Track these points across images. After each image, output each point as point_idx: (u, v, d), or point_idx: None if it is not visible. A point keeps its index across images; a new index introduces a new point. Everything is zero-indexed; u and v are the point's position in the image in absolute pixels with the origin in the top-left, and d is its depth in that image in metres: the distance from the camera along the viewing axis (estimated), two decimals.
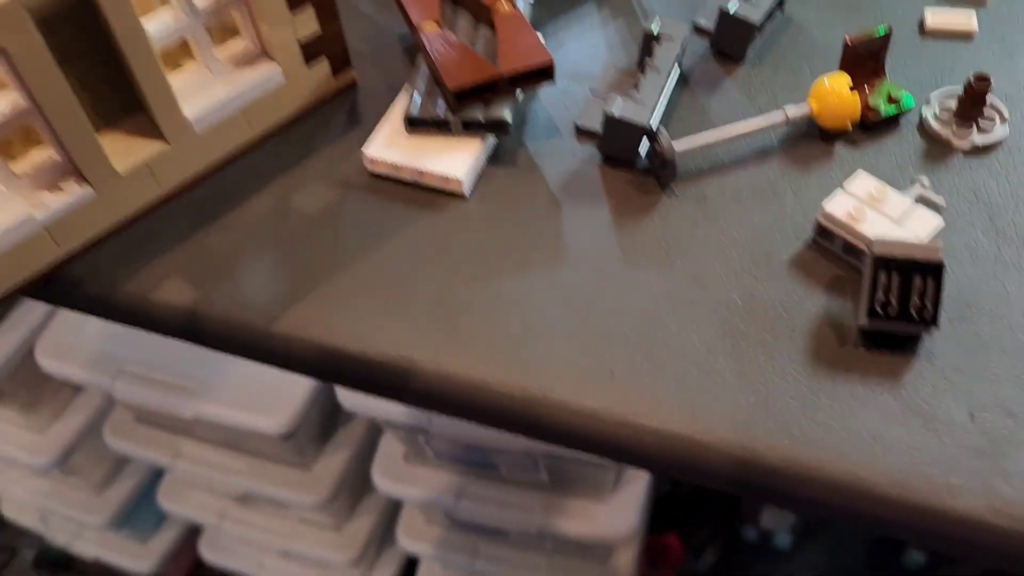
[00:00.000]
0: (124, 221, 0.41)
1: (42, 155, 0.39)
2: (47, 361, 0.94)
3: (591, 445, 0.35)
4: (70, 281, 0.40)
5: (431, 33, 0.43)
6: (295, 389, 0.89)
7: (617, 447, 0.34)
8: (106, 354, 0.93)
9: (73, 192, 0.39)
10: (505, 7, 0.43)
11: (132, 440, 1.05)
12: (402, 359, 0.36)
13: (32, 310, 0.98)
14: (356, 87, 0.46)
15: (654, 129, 0.40)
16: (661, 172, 0.40)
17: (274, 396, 0.89)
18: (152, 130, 0.40)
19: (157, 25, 0.39)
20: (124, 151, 0.40)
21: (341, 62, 0.45)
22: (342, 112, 0.45)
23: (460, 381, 0.35)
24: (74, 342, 0.94)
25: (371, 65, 0.47)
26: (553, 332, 0.36)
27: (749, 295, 0.37)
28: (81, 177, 0.39)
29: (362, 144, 0.43)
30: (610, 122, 0.40)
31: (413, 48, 0.48)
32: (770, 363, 0.35)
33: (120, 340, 0.94)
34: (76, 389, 1.09)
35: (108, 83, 0.38)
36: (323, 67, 0.44)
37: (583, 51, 0.47)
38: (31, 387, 1.03)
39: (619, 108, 0.40)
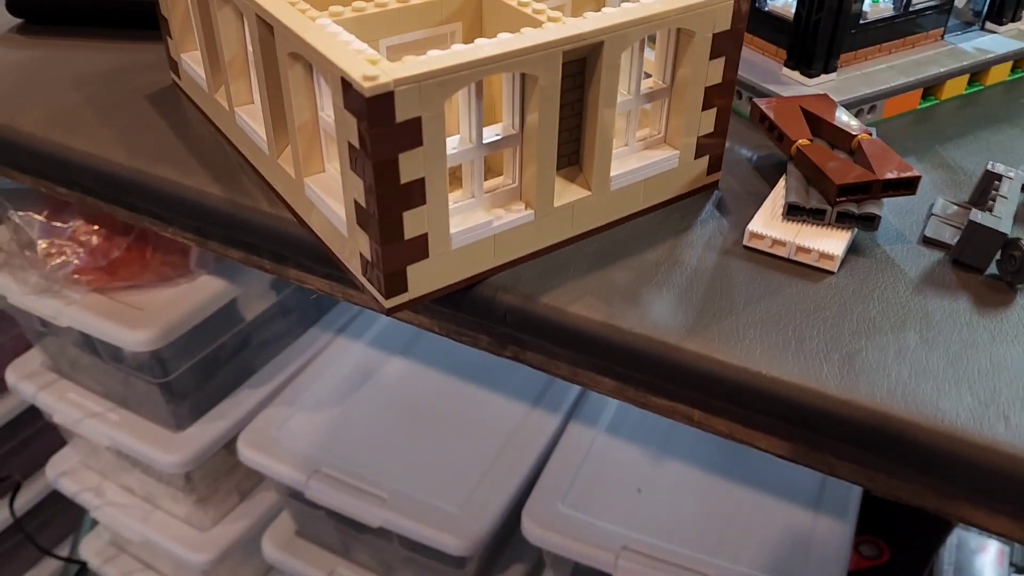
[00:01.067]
0: (543, 249, 0.48)
1: (495, 182, 0.47)
2: (249, 452, 0.99)
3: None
4: (492, 290, 0.46)
5: (807, 145, 0.51)
6: (483, 512, 0.92)
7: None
8: (305, 453, 0.98)
9: (520, 213, 0.46)
10: (867, 135, 0.52)
11: (289, 553, 1.07)
12: (804, 391, 0.41)
13: (242, 402, 1.05)
14: (716, 186, 0.54)
15: (1013, 239, 0.46)
16: (1013, 277, 0.46)
17: (461, 516, 0.91)
18: (581, 179, 0.49)
19: (621, 100, 0.48)
20: (560, 191, 0.48)
21: (717, 162, 0.53)
22: (709, 203, 0.53)
23: (865, 411, 0.40)
24: (277, 437, 1.00)
25: (725, 170, 0.55)
26: (938, 379, 0.41)
27: None
28: (528, 204, 0.47)
29: (730, 228, 0.51)
30: (974, 229, 0.47)
31: (765, 165, 0.56)
32: None
33: (318, 441, 0.99)
34: (244, 495, 1.13)
35: (567, 132, 0.47)
36: (703, 162, 0.53)
37: None
38: (212, 481, 1.07)
39: (983, 218, 0.47)
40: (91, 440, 1.06)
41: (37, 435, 1.32)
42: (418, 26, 0.47)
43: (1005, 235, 0.46)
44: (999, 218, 0.47)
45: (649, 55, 0.51)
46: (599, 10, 0.53)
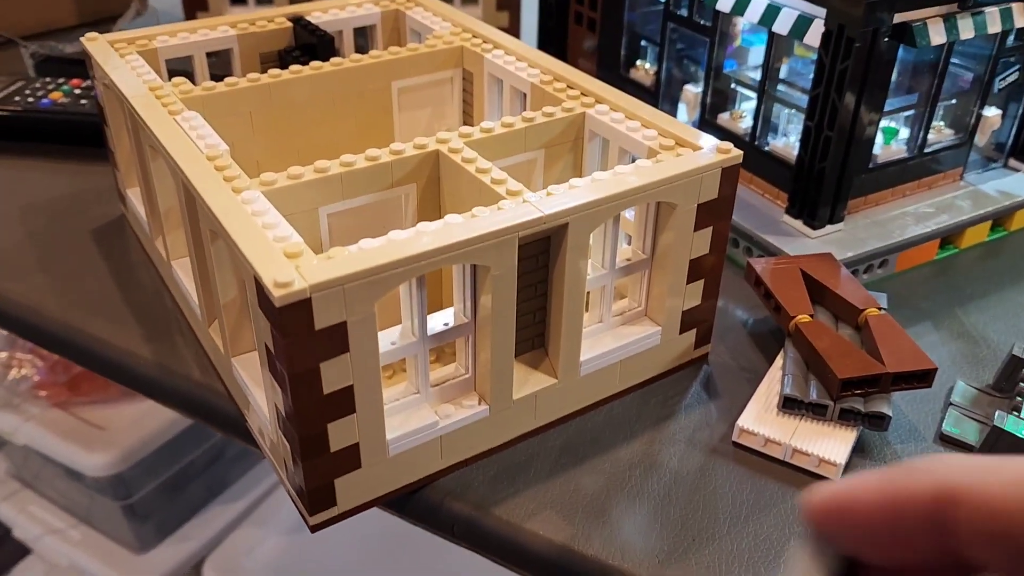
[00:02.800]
0: (499, 446, 0.42)
1: (446, 371, 0.41)
2: None
3: None
4: (440, 495, 0.40)
5: (807, 324, 0.45)
6: None
7: None
8: None
9: (472, 409, 0.40)
10: (876, 310, 0.45)
11: None
12: None
13: (211, 520, 0.98)
14: (705, 360, 0.48)
15: None
16: None
17: None
18: (547, 365, 0.43)
19: (592, 276, 0.42)
20: (522, 380, 0.42)
21: (705, 335, 0.47)
22: (696, 382, 0.47)
23: None
24: (245, 565, 0.93)
25: (717, 338, 0.49)
26: None
27: None
28: (482, 397, 0.41)
29: (719, 416, 0.44)
30: (998, 436, 0.40)
31: (763, 331, 0.50)
32: None
33: (286, 568, 0.93)
34: None
35: (529, 315, 0.41)
36: (690, 336, 0.47)
37: None
38: None
39: (1010, 424, 0.40)
40: (48, 558, 1.00)
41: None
42: (366, 190, 0.42)
43: None
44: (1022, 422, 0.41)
45: (629, 215, 0.46)
46: (578, 169, 0.48)
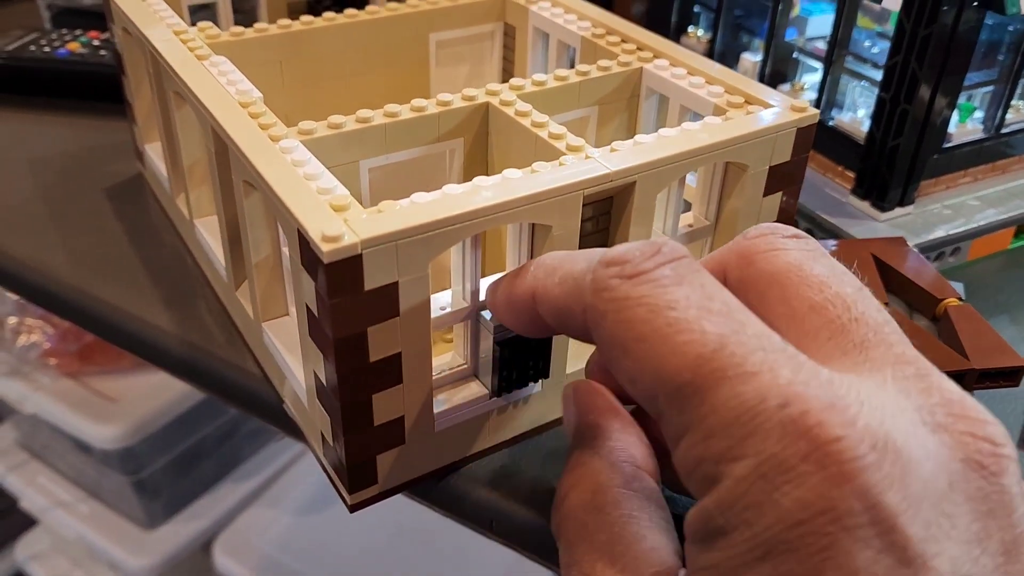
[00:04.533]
0: (550, 423, 0.39)
1: None
2: (225, 560, 0.89)
3: None
4: (482, 481, 0.37)
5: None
6: None
7: None
8: (282, 564, 0.89)
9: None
10: (955, 301, 0.42)
11: None
12: None
13: (223, 499, 0.96)
14: None
15: None
16: None
17: None
18: None
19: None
20: (576, 353, 0.39)
21: None
22: None
23: None
24: (257, 545, 0.90)
25: None
26: None
27: None
28: None
29: None
30: None
31: None
32: None
33: (303, 553, 0.90)
34: None
35: None
36: None
37: None
38: None
39: None
40: (57, 531, 0.97)
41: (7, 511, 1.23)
42: (410, 144, 0.39)
43: None
44: None
45: (691, 179, 0.42)
46: (632, 129, 0.45)
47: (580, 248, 0.35)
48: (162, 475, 0.90)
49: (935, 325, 0.43)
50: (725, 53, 0.61)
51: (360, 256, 0.29)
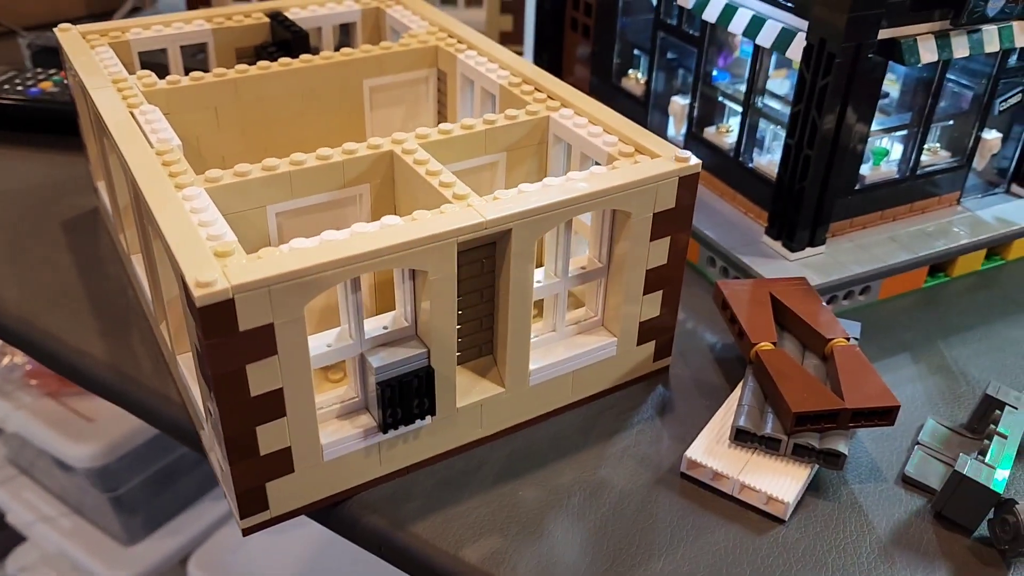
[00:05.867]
0: (441, 454, 0.41)
1: None
2: (199, 574, 0.92)
3: None
4: (370, 507, 0.39)
5: (767, 352, 0.44)
6: None
7: None
8: None
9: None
10: (843, 341, 0.44)
11: None
12: None
13: (201, 515, 0.99)
14: (666, 373, 0.47)
15: (1008, 500, 0.38)
16: (1008, 546, 0.37)
17: None
18: (494, 373, 0.42)
19: (544, 284, 0.41)
20: (467, 388, 0.41)
21: (665, 348, 0.46)
22: (653, 396, 0.46)
23: None
24: (231, 562, 0.93)
25: (680, 358, 0.48)
26: None
27: None
28: None
29: (670, 442, 0.43)
30: (959, 481, 0.38)
31: (730, 357, 0.49)
32: None
33: (270, 568, 0.92)
34: None
35: (476, 322, 0.41)
36: (648, 348, 0.45)
37: (902, 399, 0.46)
38: None
39: (971, 469, 0.38)
40: (40, 545, 1.00)
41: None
42: (316, 190, 0.42)
43: (997, 495, 0.38)
44: (992, 468, 0.39)
45: (587, 220, 0.45)
46: (543, 172, 0.47)
47: (459, 298, 0.37)
48: (139, 492, 0.92)
49: (824, 364, 0.44)
50: (659, 94, 0.64)
51: (232, 300, 0.32)
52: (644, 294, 0.43)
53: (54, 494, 1.01)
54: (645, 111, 0.65)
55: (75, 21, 0.94)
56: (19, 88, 0.69)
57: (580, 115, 0.46)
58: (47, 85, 0.69)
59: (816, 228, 0.52)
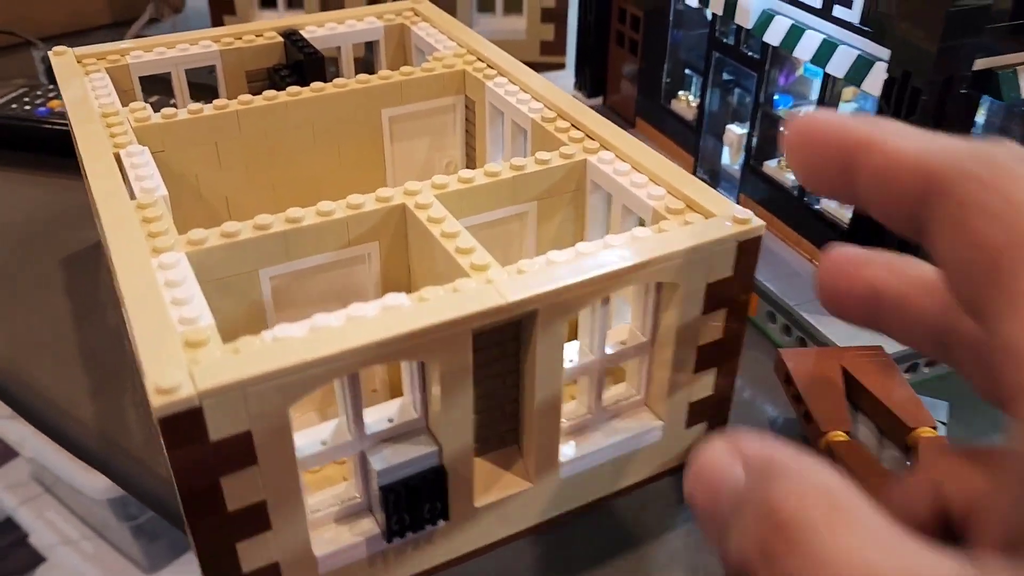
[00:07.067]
0: (457, 558, 0.36)
1: None
2: None
3: None
4: None
5: (840, 445, 0.37)
6: None
7: None
8: None
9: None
10: (929, 431, 0.38)
11: None
12: None
13: None
14: None
15: None
16: None
17: None
18: (520, 466, 0.36)
19: (577, 364, 0.35)
20: (487, 484, 0.35)
21: (719, 424, 0.40)
22: None
23: None
24: None
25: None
26: None
27: None
28: None
29: None
30: None
31: (795, 433, 0.43)
32: None
33: None
34: None
35: (498, 410, 0.35)
36: (699, 430, 0.40)
37: None
38: None
39: None
40: (62, 567, 0.98)
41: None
42: (315, 250, 0.36)
43: None
44: None
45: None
46: (580, 222, 0.42)
47: (478, 384, 0.32)
48: (160, 521, 0.89)
49: (906, 456, 0.38)
50: (715, 119, 0.57)
51: (200, 408, 0.26)
52: (695, 371, 0.37)
53: (77, 515, 0.99)
54: (697, 137, 0.58)
55: (98, 29, 0.91)
56: (27, 108, 0.64)
57: (622, 160, 0.40)
58: (56, 104, 0.65)
59: None
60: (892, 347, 0.44)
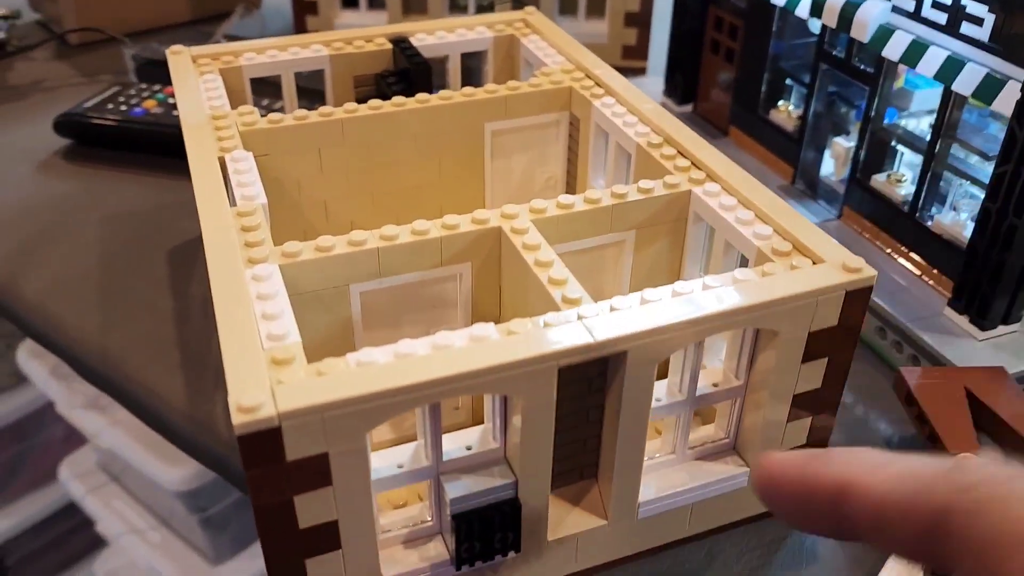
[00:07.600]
0: None
1: None
2: None
3: None
4: None
5: None
6: None
7: None
8: None
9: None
10: None
11: None
12: None
13: None
14: None
15: None
16: None
17: None
18: (595, 502, 0.35)
19: (664, 403, 0.34)
20: (560, 517, 0.35)
21: None
22: (795, 537, 0.38)
23: None
24: None
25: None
26: None
27: None
28: None
29: None
30: None
31: (902, 448, 0.40)
32: None
33: None
34: None
35: (578, 444, 0.34)
36: None
37: None
38: None
39: None
40: (128, 555, 1.01)
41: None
42: (407, 268, 0.36)
43: None
44: None
45: None
46: (678, 252, 0.40)
47: (560, 418, 0.31)
48: (229, 512, 0.91)
49: None
50: (817, 131, 0.55)
51: (279, 428, 0.26)
52: (789, 420, 0.36)
53: (144, 504, 1.01)
54: (797, 148, 0.56)
55: (179, 27, 0.92)
56: (122, 108, 0.66)
57: (729, 193, 0.38)
58: (151, 104, 0.66)
59: (1013, 304, 0.43)
60: (1009, 365, 0.41)
